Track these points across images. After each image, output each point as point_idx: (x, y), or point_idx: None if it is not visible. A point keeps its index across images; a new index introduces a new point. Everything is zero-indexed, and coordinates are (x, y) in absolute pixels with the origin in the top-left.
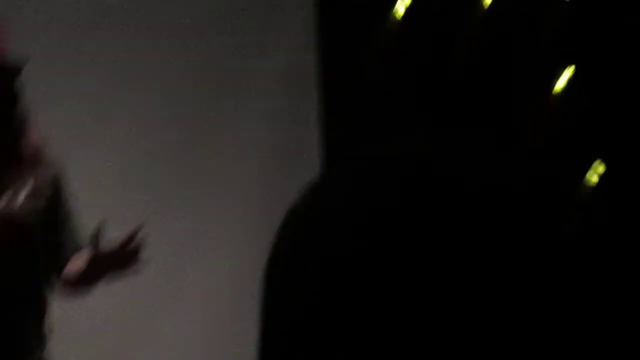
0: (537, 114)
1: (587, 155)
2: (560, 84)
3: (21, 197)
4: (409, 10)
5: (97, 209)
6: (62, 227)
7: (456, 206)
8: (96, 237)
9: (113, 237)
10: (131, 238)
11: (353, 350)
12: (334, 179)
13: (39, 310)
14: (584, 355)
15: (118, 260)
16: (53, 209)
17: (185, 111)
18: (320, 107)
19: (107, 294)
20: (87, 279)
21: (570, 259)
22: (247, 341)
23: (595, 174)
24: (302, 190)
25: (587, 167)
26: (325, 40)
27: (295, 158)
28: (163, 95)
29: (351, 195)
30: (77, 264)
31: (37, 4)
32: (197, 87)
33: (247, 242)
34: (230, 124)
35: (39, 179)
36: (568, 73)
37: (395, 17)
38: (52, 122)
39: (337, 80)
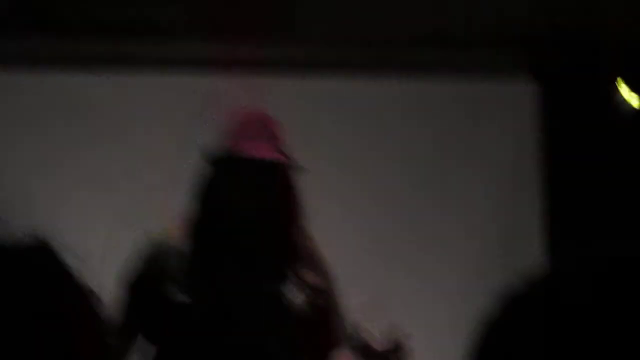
0: None
1: None
2: None
3: (297, 292)
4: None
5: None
6: (335, 325)
7: None
8: (358, 338)
9: (374, 334)
10: (395, 344)
11: None
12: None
13: None
14: None
15: None
16: (326, 306)
17: (414, 191)
18: (543, 198)
19: None
20: None
21: None
22: None
23: None
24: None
25: None
26: (549, 129)
27: (516, 247)
28: (378, 165)
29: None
30: None
31: None
32: (426, 168)
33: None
34: (456, 206)
35: (313, 275)
36: None
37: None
38: None
39: (560, 171)
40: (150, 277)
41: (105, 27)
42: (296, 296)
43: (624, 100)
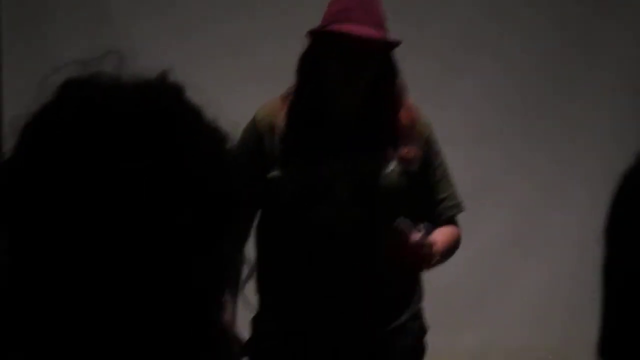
0: None
1: None
2: None
3: (393, 163)
4: None
5: (449, 159)
6: (434, 188)
7: None
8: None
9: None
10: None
11: None
12: None
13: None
14: None
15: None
16: (426, 172)
17: (539, 70)
18: None
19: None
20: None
21: None
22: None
23: None
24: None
25: None
26: None
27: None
28: (512, 56)
29: None
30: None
31: None
32: (552, 46)
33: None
34: (584, 88)
35: (411, 148)
36: None
37: None
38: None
39: None
40: (246, 151)
41: None
42: (391, 169)
43: None
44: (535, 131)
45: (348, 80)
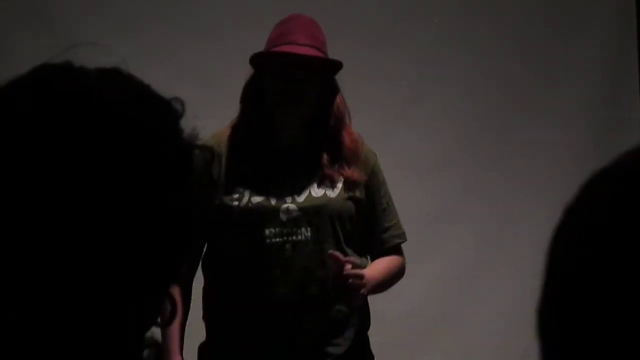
0: None
1: None
2: None
3: (338, 187)
4: None
5: (408, 186)
6: (379, 217)
7: None
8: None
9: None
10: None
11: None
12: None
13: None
14: None
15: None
16: (372, 200)
17: (498, 95)
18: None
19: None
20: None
21: None
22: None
23: None
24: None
25: None
26: None
27: (611, 143)
28: (474, 77)
29: None
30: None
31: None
32: (511, 71)
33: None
34: (543, 111)
35: (356, 171)
36: None
37: None
38: (369, 101)
39: None
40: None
41: None
42: (337, 192)
43: None
44: (494, 156)
45: (290, 101)
